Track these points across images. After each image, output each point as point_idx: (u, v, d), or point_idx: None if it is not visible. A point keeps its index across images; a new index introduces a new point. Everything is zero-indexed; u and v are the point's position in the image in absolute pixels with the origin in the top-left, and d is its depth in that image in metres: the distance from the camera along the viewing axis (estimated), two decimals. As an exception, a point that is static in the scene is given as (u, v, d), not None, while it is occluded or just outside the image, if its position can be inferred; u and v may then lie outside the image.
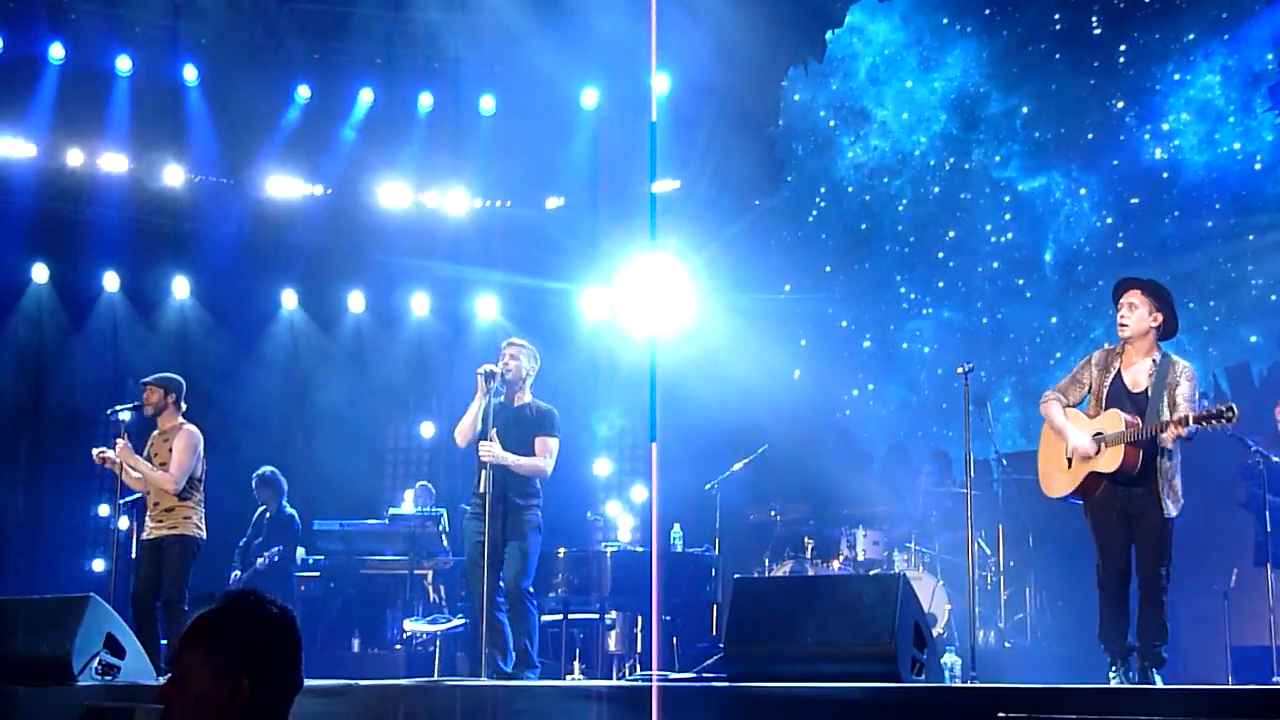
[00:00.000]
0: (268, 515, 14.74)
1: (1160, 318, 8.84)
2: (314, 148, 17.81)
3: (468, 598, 13.69)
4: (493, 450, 10.04)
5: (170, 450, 10.92)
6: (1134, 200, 14.60)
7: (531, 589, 10.24)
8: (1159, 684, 8.33)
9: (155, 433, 11.23)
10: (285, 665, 3.53)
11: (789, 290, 16.63)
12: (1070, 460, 8.84)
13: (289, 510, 14.80)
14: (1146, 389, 8.71)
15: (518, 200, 18.29)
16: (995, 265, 15.28)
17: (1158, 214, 14.41)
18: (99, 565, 17.45)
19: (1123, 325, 8.83)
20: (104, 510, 17.43)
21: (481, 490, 9.97)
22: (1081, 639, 13.28)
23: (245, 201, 17.94)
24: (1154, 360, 8.80)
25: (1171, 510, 8.54)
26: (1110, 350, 9.05)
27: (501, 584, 10.13)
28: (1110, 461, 8.57)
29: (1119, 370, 8.87)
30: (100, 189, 17.45)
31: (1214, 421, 8.20)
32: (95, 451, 11.12)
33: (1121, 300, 8.91)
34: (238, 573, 14.48)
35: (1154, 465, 8.53)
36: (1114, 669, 8.62)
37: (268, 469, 14.83)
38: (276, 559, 14.47)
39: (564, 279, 17.60)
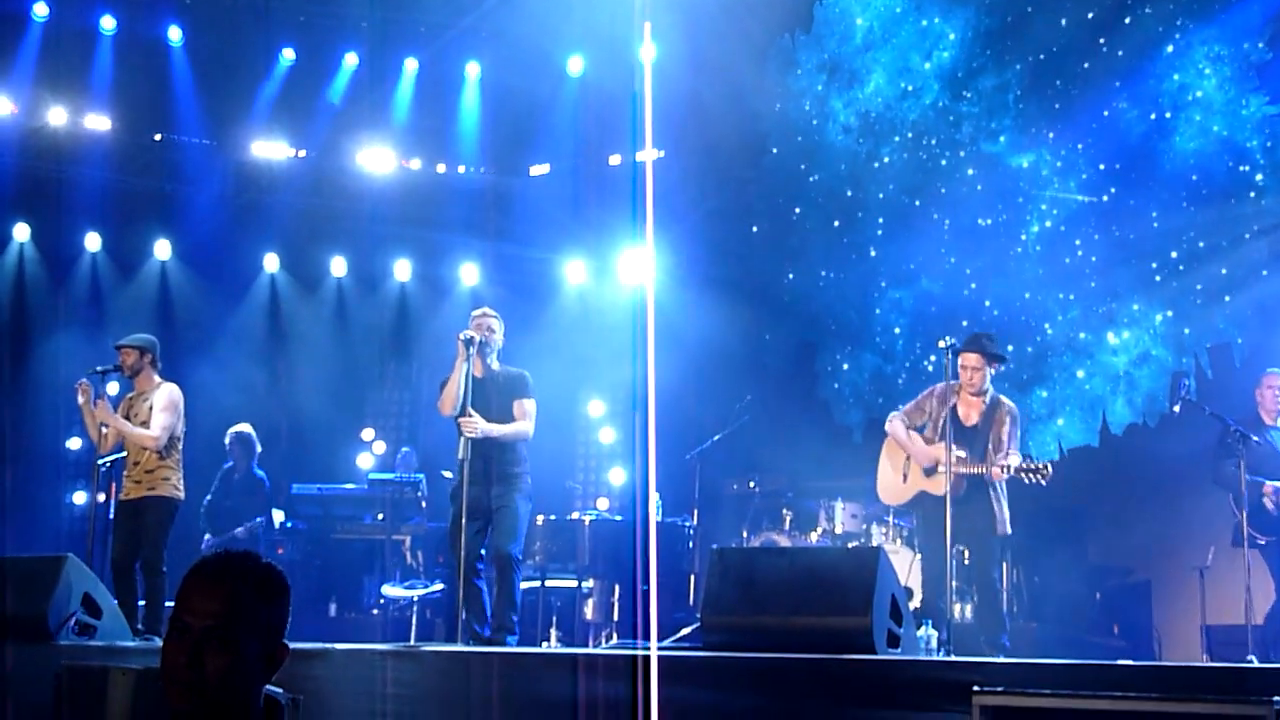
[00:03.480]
0: (236, 475, 14.62)
1: (996, 366, 10.69)
2: (298, 111, 17.76)
3: (447, 564, 13.73)
4: (477, 425, 10.06)
5: (150, 409, 10.87)
6: (1121, 182, 14.55)
7: (520, 556, 10.29)
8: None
9: (132, 394, 11.18)
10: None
11: (767, 256, 16.59)
12: (905, 475, 10.70)
13: (259, 472, 14.69)
14: (976, 424, 10.45)
15: (501, 167, 18.25)
16: (978, 239, 15.23)
17: (1145, 197, 14.35)
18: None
19: (972, 384, 10.47)
20: (75, 446, 17.44)
21: (460, 456, 9.99)
22: (1056, 614, 13.39)
23: (228, 163, 17.89)
24: (984, 401, 10.51)
25: (997, 530, 10.29)
26: (950, 385, 10.48)
27: (485, 551, 10.17)
28: (940, 486, 10.05)
29: (955, 405, 10.46)
30: (82, 148, 17.37)
31: (1030, 475, 9.98)
32: (80, 383, 10.99)
33: (965, 364, 10.49)
34: (208, 535, 14.41)
35: (981, 491, 10.23)
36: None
37: (244, 427, 14.70)
38: (260, 530, 14.40)
39: (546, 247, 17.60)
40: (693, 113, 16.44)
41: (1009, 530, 10.37)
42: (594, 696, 7.41)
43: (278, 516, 15.23)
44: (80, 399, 10.94)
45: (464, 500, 9.84)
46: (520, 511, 10.24)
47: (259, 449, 14.72)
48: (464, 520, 9.78)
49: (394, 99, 17.86)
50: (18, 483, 17.36)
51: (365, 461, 17.28)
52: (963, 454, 10.19)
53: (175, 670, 3.33)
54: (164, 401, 10.90)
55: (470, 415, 10.10)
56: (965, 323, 14.61)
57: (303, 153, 18.08)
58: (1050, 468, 10.02)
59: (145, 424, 10.81)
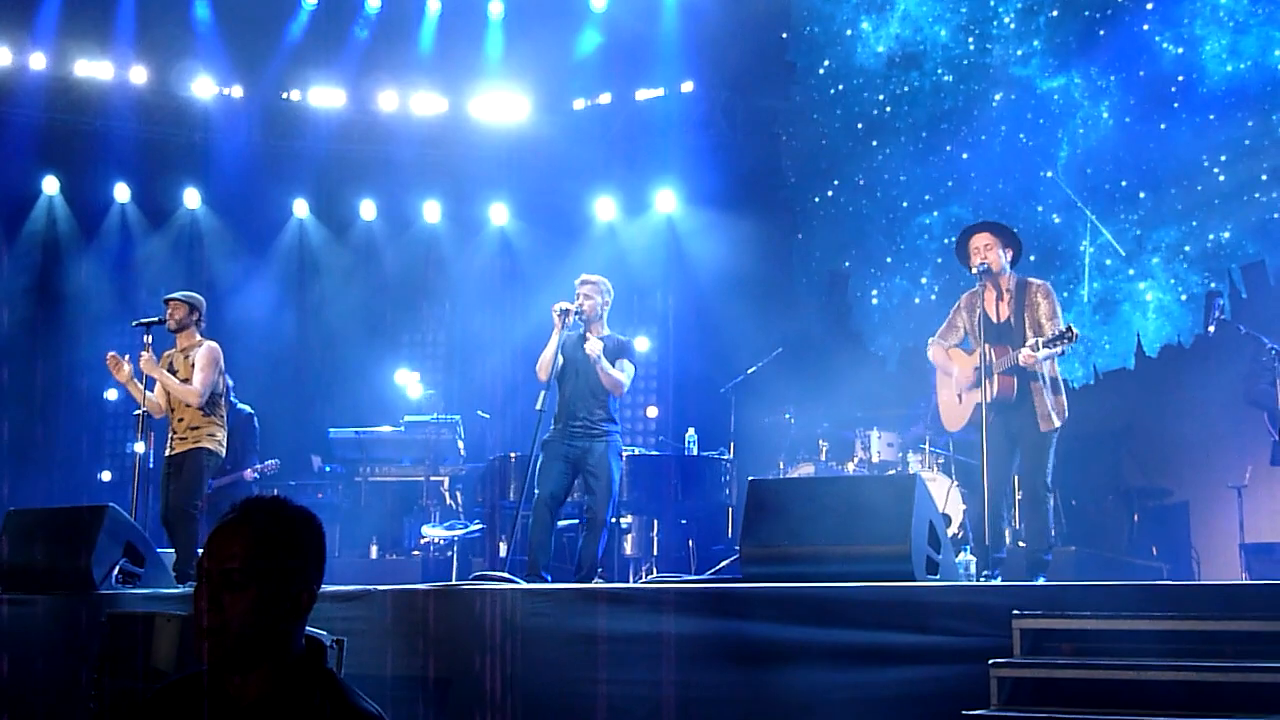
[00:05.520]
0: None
1: (1010, 251, 9.68)
2: (322, 55, 17.73)
3: (485, 504, 13.85)
4: (593, 347, 10.33)
5: (192, 366, 10.87)
6: (1152, 104, 14.41)
7: (612, 520, 10.80)
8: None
9: (173, 349, 11.15)
10: (323, 571, 3.54)
11: (797, 185, 16.54)
12: (961, 396, 9.81)
13: (242, 407, 13.97)
14: (1009, 317, 9.53)
15: (527, 105, 18.17)
16: (1008, 162, 15.13)
17: (1175, 119, 14.23)
18: (107, 476, 17.59)
19: (989, 266, 9.51)
20: (112, 397, 17.59)
21: (538, 408, 10.20)
22: (1094, 537, 13.39)
23: (255, 110, 17.88)
24: (1009, 290, 9.59)
25: (1052, 424, 9.32)
26: (973, 292, 9.74)
27: (588, 514, 10.53)
28: (988, 392, 9.28)
29: (982, 307, 9.59)
30: (109, 100, 17.40)
31: (1058, 344, 9.06)
32: (110, 355, 11.01)
33: (974, 246, 9.65)
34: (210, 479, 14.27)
35: (1029, 387, 9.32)
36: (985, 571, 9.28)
37: None
38: (273, 472, 14.17)
39: (576, 184, 17.54)
40: (718, 41, 16.38)
41: (1056, 423, 9.30)
42: (632, 631, 7.46)
43: (316, 462, 15.28)
44: (115, 373, 10.94)
45: (535, 458, 10.33)
46: (615, 475, 10.50)
47: (231, 383, 14.41)
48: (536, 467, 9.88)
49: (418, 40, 17.79)
50: (57, 434, 17.53)
51: (402, 404, 17.34)
52: (1004, 349, 9.33)
53: (198, 616, 3.35)
54: (206, 358, 10.86)
55: (588, 338, 10.39)
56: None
57: (329, 96, 18.03)
58: (1073, 329, 8.99)
59: (187, 380, 10.82)
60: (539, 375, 10.47)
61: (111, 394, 17.64)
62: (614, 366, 10.42)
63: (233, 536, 3.38)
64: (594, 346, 10.32)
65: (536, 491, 10.37)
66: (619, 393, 10.52)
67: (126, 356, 10.96)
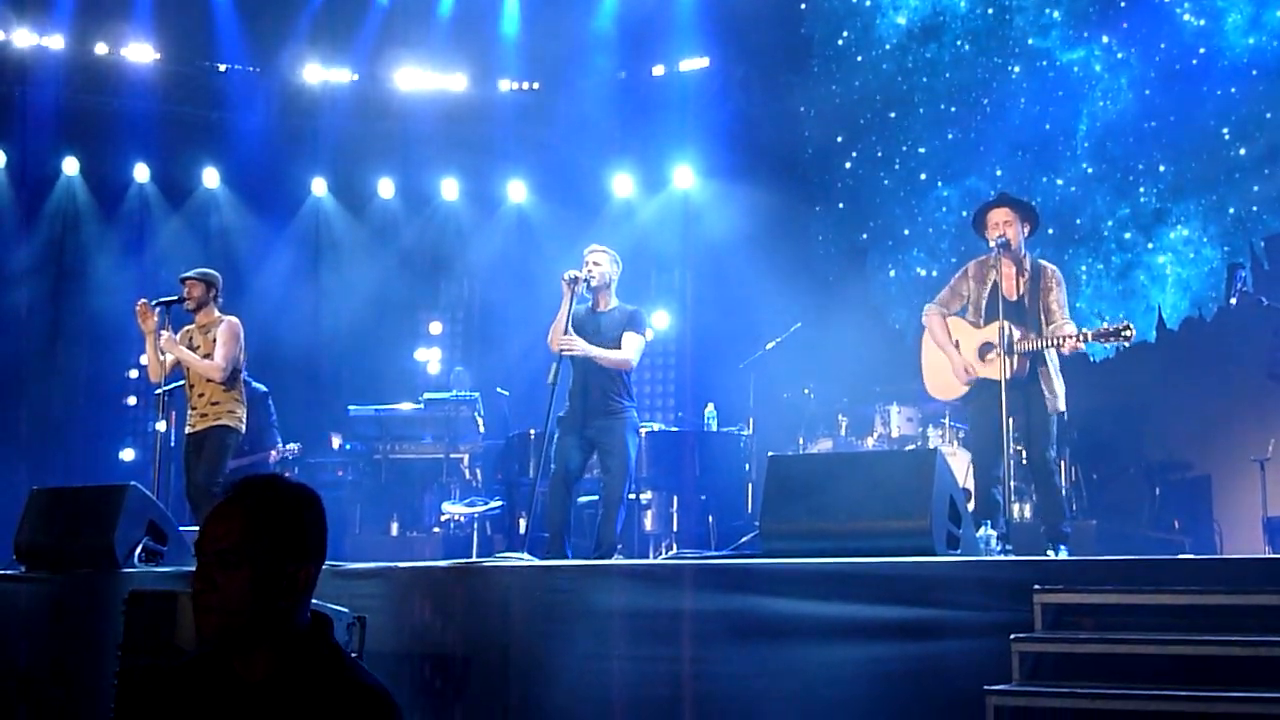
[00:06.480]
0: None
1: (1028, 226, 9.63)
2: (341, 32, 17.71)
3: (505, 480, 13.85)
4: (574, 344, 10.14)
5: (213, 341, 10.88)
6: (1173, 76, 14.34)
7: (628, 497, 10.57)
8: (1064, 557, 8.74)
9: (192, 326, 11.16)
10: (324, 549, 3.54)
11: (816, 159, 16.49)
12: (966, 369, 9.60)
13: (257, 385, 13.61)
14: (1022, 297, 9.41)
15: (544, 81, 18.15)
16: (1028, 135, 15.07)
17: (1196, 91, 14.16)
18: (128, 455, 17.62)
19: (1008, 240, 9.39)
20: (132, 400, 17.66)
21: (550, 380, 10.09)
22: (1116, 511, 13.36)
23: (274, 88, 17.87)
24: (1025, 269, 9.48)
25: (1057, 405, 9.31)
26: (984, 261, 9.60)
27: (605, 491, 10.37)
28: (1007, 369, 9.10)
29: (995, 281, 9.45)
30: (128, 80, 17.41)
31: (1112, 338, 8.94)
32: (141, 301, 10.98)
33: (993, 220, 9.54)
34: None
35: (1041, 368, 9.27)
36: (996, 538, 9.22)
37: None
38: (292, 455, 14.13)
39: (593, 159, 17.51)
40: (736, 14, 16.33)
41: (1062, 408, 9.36)
42: (651, 607, 7.45)
43: (335, 441, 15.29)
44: (142, 323, 10.92)
45: (550, 433, 10.21)
46: (631, 453, 10.33)
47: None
48: (549, 439, 9.85)
49: (435, 16, 17.77)
50: (79, 414, 17.57)
51: (421, 381, 17.36)
52: (1026, 332, 9.26)
53: (195, 597, 3.36)
54: (227, 334, 10.87)
55: (570, 335, 10.17)
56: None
57: (347, 75, 18.02)
58: (1131, 328, 8.95)
59: (208, 356, 10.83)
60: (550, 346, 10.42)
61: (133, 373, 17.68)
62: (622, 336, 10.33)
63: (227, 516, 3.39)
64: (580, 346, 10.16)
65: (553, 468, 10.34)
66: (626, 368, 10.45)
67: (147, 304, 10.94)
